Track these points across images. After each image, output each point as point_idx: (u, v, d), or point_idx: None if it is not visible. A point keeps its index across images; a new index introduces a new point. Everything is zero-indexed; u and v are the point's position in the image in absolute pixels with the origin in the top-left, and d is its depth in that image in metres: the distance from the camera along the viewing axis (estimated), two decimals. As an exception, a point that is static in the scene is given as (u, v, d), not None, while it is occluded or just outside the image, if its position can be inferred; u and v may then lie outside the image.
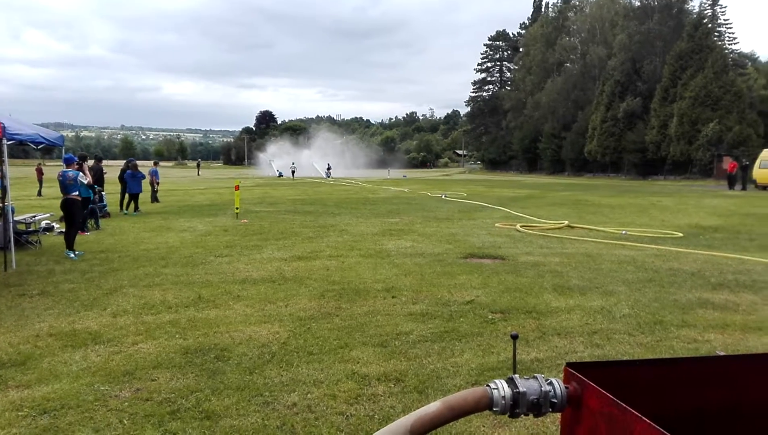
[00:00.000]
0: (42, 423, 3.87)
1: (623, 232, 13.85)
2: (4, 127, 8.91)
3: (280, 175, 62.11)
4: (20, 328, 5.98)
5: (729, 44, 65.90)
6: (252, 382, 4.58)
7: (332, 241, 12.33)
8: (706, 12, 63.78)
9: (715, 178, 48.64)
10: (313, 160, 74.61)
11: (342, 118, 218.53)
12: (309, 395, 4.33)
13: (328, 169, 63.51)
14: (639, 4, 67.79)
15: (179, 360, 5.06)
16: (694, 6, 65.19)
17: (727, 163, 41.62)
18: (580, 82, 74.63)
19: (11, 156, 10.05)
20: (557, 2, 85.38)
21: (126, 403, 4.16)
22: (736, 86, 53.46)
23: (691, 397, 1.64)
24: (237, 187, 17.91)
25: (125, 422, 3.88)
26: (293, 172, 60.29)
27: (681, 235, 13.52)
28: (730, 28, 67.71)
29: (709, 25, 60.98)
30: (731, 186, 36.93)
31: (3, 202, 10.46)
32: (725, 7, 68.62)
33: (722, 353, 1.78)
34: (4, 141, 9.27)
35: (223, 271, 8.97)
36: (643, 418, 1.25)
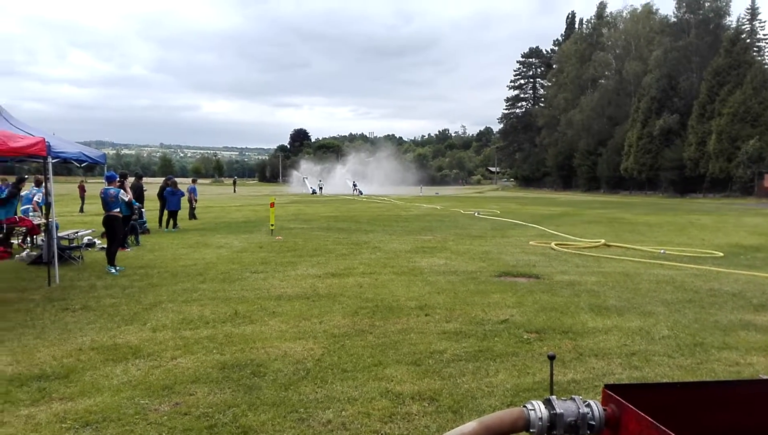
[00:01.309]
0: (85, 435, 3.97)
1: (661, 251, 13.59)
2: (49, 146, 9.21)
3: (314, 192, 62.95)
4: (63, 342, 6.15)
5: (769, 59, 64.59)
6: (287, 398, 4.62)
7: (365, 258, 12.37)
8: (744, 27, 62.69)
9: (757, 196, 47.42)
10: (346, 178, 75.28)
11: (374, 135, 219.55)
12: (343, 413, 4.36)
13: (354, 185, 64.46)
14: (675, 20, 66.96)
15: (216, 375, 5.14)
16: (731, 21, 64.15)
17: (769, 181, 40.55)
18: (615, 99, 73.83)
19: (54, 173, 10.37)
20: (591, 18, 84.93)
21: (165, 417, 4.25)
22: (777, 102, 52.20)
23: (733, 421, 1.62)
24: (272, 205, 18.14)
25: (164, 436, 3.95)
26: (321, 188, 63.74)
27: (721, 254, 13.21)
28: (771, 42, 66.18)
29: (748, 40, 59.92)
30: (774, 204, 35.93)
31: (47, 218, 10.79)
32: (764, 21, 67.15)
33: (765, 377, 1.76)
34: (49, 159, 9.58)
35: (258, 287, 9.09)
36: (684, 441, 1.25)
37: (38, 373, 5.17)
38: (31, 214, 15.04)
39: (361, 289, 8.95)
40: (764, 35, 65.25)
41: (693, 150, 57.35)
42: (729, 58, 55.43)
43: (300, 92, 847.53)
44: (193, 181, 25.78)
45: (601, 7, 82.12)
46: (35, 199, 14.90)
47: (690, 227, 20.96)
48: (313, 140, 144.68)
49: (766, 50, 65.19)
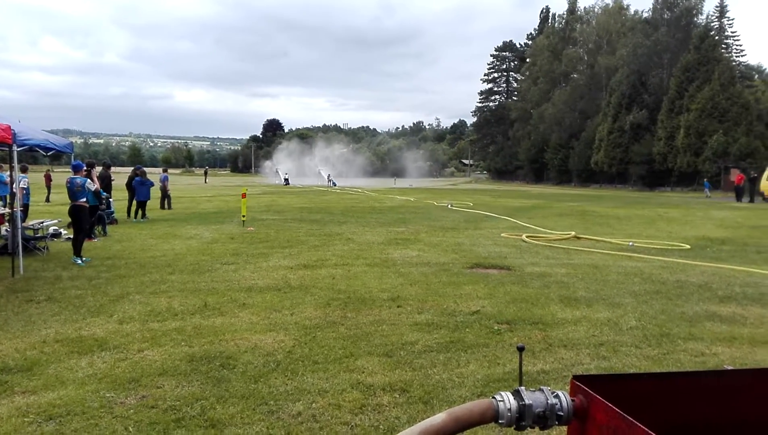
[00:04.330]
0: (47, 429, 3.88)
1: (630, 243, 13.80)
2: (15, 133, 8.97)
3: (287, 182, 62.72)
4: (27, 334, 6.00)
5: (736, 56, 66.10)
6: (257, 390, 4.58)
7: (338, 249, 12.33)
8: (713, 24, 63.88)
9: (723, 190, 48.42)
10: (319, 168, 75.08)
11: (349, 127, 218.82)
12: (314, 404, 4.33)
13: (328, 177, 64.75)
14: (648, 15, 67.87)
15: (185, 367, 5.07)
16: (703, 20, 65.22)
17: (735, 175, 41.50)
18: (587, 93, 74.63)
19: (20, 162, 10.11)
20: (563, 13, 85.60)
21: (131, 410, 4.17)
22: (744, 98, 53.34)
23: (698, 411, 1.63)
24: (244, 195, 17.96)
25: (130, 429, 3.88)
26: (287, 180, 63.39)
27: (688, 247, 13.47)
28: (738, 40, 67.61)
29: (716, 37, 61.03)
30: (739, 198, 36.79)
31: (12, 208, 10.52)
32: (732, 19, 68.39)
33: (730, 367, 1.78)
34: (14, 147, 9.33)
35: (229, 279, 8.99)
36: (650, 432, 1.25)
37: (0, 366, 5.03)
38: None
39: (334, 281, 8.92)
40: (732, 33, 66.69)
41: (662, 145, 58.31)
42: (698, 54, 56.34)
43: (277, 82, 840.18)
44: (165, 170, 25.44)
45: (572, 2, 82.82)
46: (21, 185, 14.59)
47: (658, 220, 21.34)
48: (286, 131, 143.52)
49: (733, 47, 66.64)
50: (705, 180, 48.09)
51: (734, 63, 61.72)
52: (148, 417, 4.07)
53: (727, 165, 49.89)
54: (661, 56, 64.30)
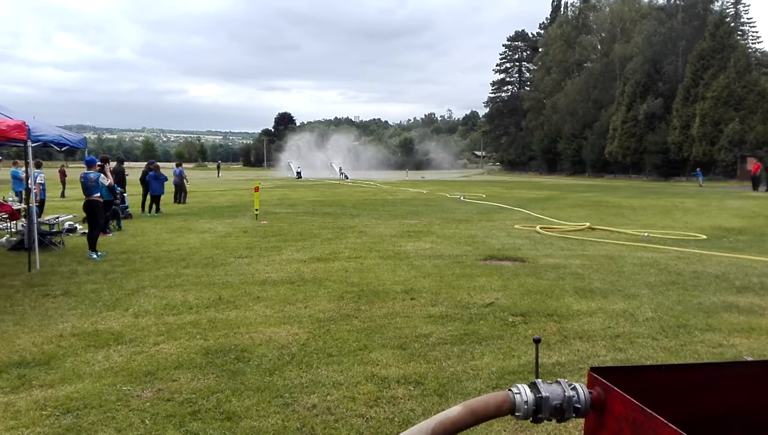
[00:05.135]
0: (65, 422, 3.92)
1: (645, 234, 13.69)
2: (29, 129, 9.04)
3: (299, 175, 62.80)
4: (44, 328, 6.06)
5: (752, 43, 65.27)
6: (272, 383, 4.59)
7: (351, 242, 12.34)
8: (728, 11, 63.02)
9: (739, 180, 47.91)
10: (331, 161, 75.14)
11: (361, 119, 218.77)
12: (329, 397, 4.34)
13: (340, 170, 64.97)
14: (663, 2, 67.05)
15: (200, 361, 5.10)
16: (718, 6, 64.30)
17: (751, 164, 41.03)
18: (601, 82, 73.91)
19: (34, 157, 10.20)
20: (576, 1, 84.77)
21: (148, 403, 4.20)
22: (760, 86, 52.59)
23: (717, 403, 1.61)
24: (256, 189, 18.02)
25: (147, 422, 3.91)
26: (299, 173, 63.36)
27: (704, 237, 13.33)
28: (754, 26, 67.03)
29: (732, 24, 60.21)
30: (755, 187, 36.37)
31: (27, 204, 10.62)
32: (748, 5, 67.55)
33: (749, 358, 1.75)
34: (29, 143, 9.41)
35: (243, 272, 9.03)
36: (669, 423, 1.23)
37: (18, 360, 5.09)
38: (11, 199, 14.82)
39: (347, 274, 8.92)
40: (748, 19, 65.88)
41: (677, 134, 57.69)
42: (713, 41, 55.61)
43: (289, 75, 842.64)
44: (178, 165, 25.61)
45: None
46: (39, 180, 14.80)
47: (674, 210, 21.15)
48: (298, 124, 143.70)
49: (749, 34, 65.78)
50: (698, 169, 47.86)
51: (750, 50, 60.96)
52: (164, 410, 4.10)
53: (744, 154, 49.31)
54: (675, 44, 63.47)
